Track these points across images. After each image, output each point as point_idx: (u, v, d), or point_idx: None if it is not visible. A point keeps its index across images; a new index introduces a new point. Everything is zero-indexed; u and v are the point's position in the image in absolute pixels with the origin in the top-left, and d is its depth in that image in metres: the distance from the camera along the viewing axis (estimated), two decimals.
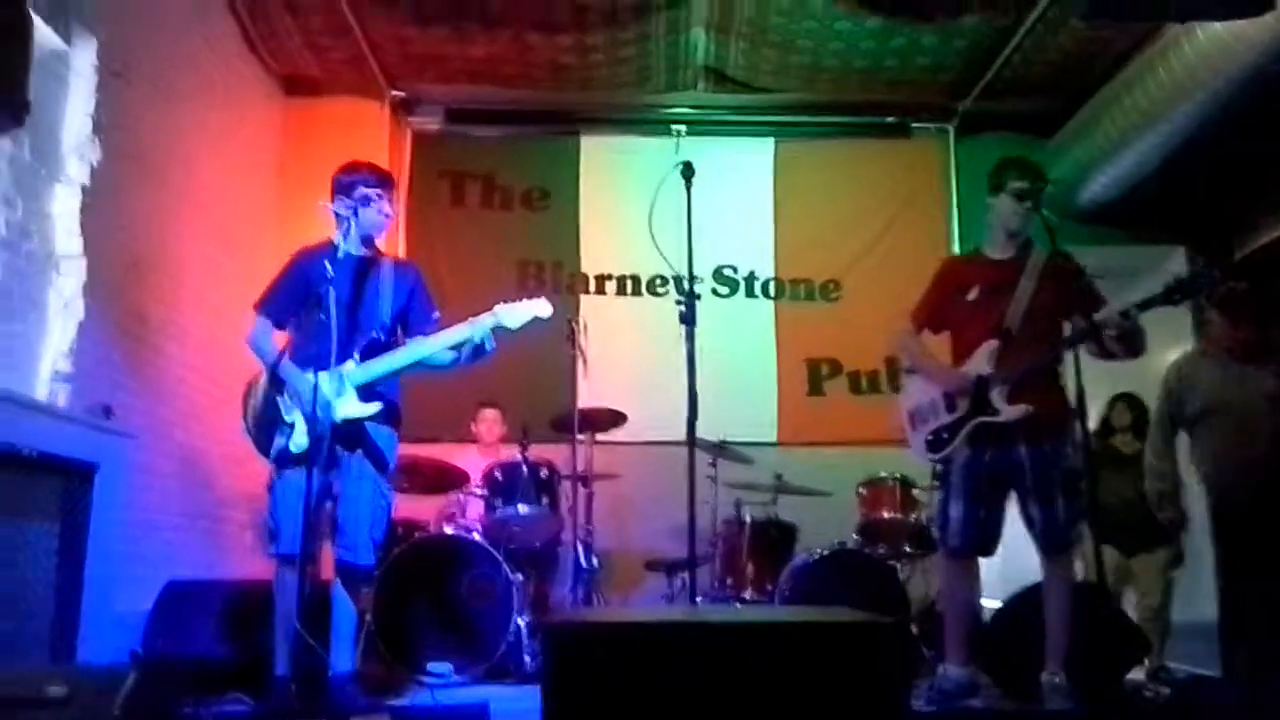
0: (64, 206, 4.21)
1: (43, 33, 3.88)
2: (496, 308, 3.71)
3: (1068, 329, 3.75)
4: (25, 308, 3.99)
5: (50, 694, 2.27)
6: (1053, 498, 3.66)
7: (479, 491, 5.26)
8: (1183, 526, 4.76)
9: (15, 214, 3.91)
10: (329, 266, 3.57)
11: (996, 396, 3.73)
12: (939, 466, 4.04)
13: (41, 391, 4.02)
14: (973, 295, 3.93)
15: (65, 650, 3.60)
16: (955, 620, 3.90)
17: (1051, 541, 3.68)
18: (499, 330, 3.69)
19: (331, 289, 3.55)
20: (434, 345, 3.74)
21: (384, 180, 3.93)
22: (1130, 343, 3.57)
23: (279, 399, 3.77)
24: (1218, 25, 4.83)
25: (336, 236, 3.83)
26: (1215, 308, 4.62)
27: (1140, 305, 3.52)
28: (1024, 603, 4.05)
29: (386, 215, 3.90)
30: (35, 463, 3.46)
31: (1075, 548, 3.74)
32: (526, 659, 4.79)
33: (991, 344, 3.79)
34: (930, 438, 3.93)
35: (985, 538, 3.81)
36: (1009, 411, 3.70)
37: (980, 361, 3.80)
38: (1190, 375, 4.60)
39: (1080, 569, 4.88)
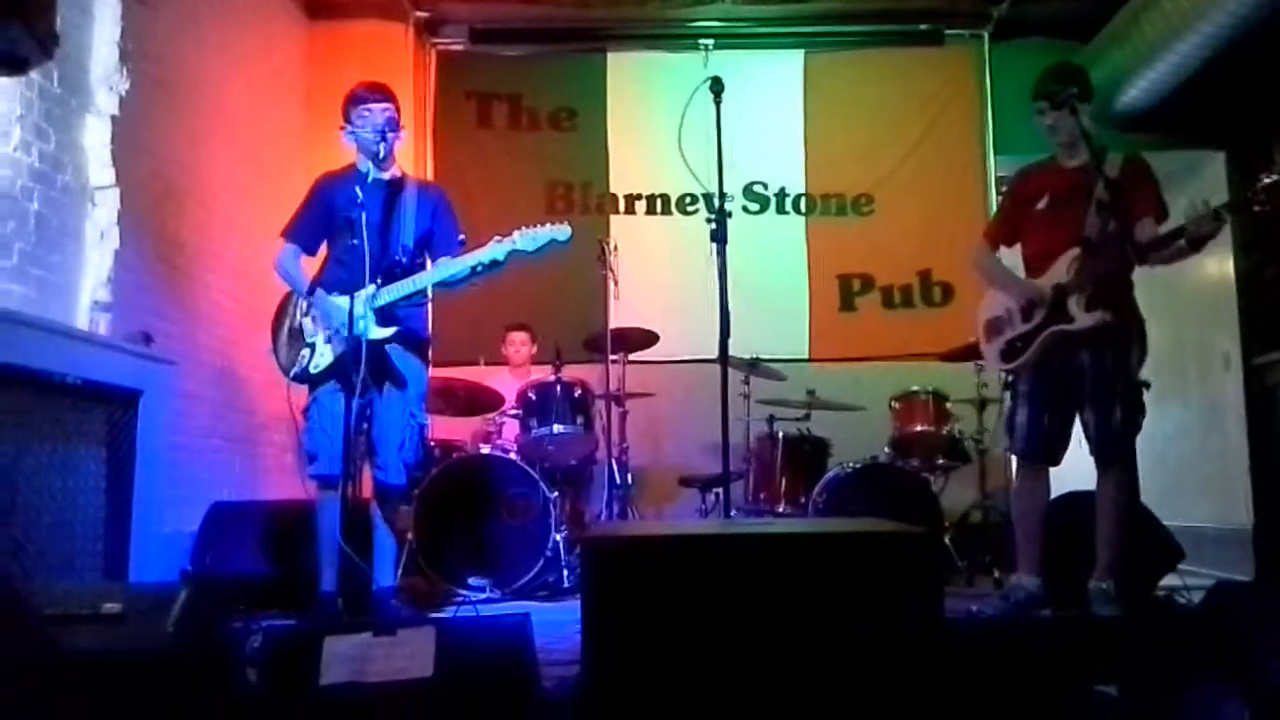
0: (95, 137, 4.23)
1: None
2: (514, 233, 3.66)
3: (1145, 232, 3.60)
4: (63, 239, 4.04)
5: (105, 610, 2.32)
6: (1111, 406, 3.60)
7: (514, 412, 5.32)
8: None
9: (48, 146, 3.94)
10: (359, 191, 3.57)
11: (1074, 304, 3.64)
12: (1009, 376, 3.98)
13: (82, 321, 4.09)
14: (1043, 204, 3.83)
15: (117, 570, 3.70)
16: (1025, 529, 3.83)
17: (1106, 450, 3.64)
18: (518, 254, 3.65)
19: (364, 213, 3.55)
20: (451, 270, 3.71)
21: (383, 96, 3.78)
22: (1201, 245, 3.44)
23: (304, 321, 3.82)
24: None
25: (359, 161, 3.83)
26: None
27: (1229, 207, 3.40)
28: (1067, 507, 4.02)
29: (390, 133, 3.76)
30: (80, 390, 3.52)
31: (1129, 458, 3.66)
32: (564, 573, 4.90)
33: (1073, 252, 3.67)
34: (1005, 348, 3.87)
35: (1051, 446, 3.76)
36: (1084, 319, 3.60)
37: (1060, 271, 3.70)
38: None
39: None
